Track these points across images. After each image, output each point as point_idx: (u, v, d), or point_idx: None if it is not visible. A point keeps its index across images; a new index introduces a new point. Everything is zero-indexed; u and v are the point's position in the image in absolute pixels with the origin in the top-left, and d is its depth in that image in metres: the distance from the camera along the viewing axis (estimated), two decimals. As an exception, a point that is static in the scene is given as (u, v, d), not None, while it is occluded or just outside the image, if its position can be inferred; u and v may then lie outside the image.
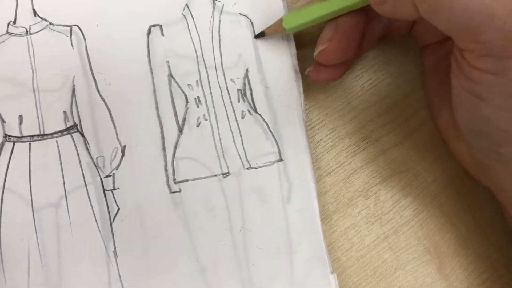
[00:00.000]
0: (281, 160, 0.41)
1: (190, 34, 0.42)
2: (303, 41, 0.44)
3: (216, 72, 0.42)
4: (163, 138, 0.40)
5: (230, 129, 0.41)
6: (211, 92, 0.41)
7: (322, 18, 0.40)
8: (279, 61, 0.42)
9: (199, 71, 0.42)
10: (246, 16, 0.43)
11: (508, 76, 0.31)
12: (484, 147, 0.37)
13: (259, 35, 0.42)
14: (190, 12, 0.42)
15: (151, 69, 0.41)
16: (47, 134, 0.39)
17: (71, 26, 0.41)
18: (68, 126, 0.40)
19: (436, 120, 0.44)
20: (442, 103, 0.42)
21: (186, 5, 0.42)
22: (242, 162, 0.41)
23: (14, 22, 0.40)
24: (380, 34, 0.43)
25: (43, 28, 0.40)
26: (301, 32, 0.44)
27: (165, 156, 0.40)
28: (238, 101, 0.42)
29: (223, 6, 0.42)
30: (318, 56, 0.40)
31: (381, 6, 0.36)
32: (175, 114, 0.41)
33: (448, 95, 0.38)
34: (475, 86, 0.34)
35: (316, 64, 0.42)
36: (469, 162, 0.41)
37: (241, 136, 0.41)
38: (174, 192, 0.40)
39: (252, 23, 0.43)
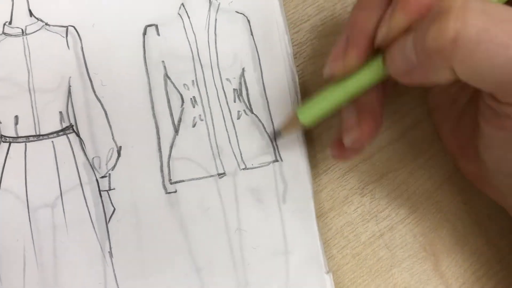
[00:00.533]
0: (276, 160, 0.42)
1: (186, 33, 0.42)
2: (300, 40, 0.44)
3: (212, 71, 0.42)
4: (159, 138, 0.40)
5: (226, 129, 0.41)
6: (207, 92, 0.41)
7: (341, 103, 0.37)
8: (276, 61, 0.42)
9: (195, 71, 0.42)
10: (243, 14, 0.43)
11: None
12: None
13: (277, 136, 0.41)
14: (186, 11, 0.42)
15: (146, 69, 0.41)
16: (43, 135, 0.39)
17: (67, 27, 0.41)
18: (64, 126, 0.40)
19: (443, 138, 0.44)
20: (449, 124, 0.42)
21: (182, 4, 0.42)
22: (237, 162, 0.41)
23: (10, 22, 0.40)
24: (388, 94, 0.41)
25: (39, 29, 0.40)
26: (297, 30, 0.44)
27: (160, 157, 0.40)
28: (234, 101, 0.42)
29: (219, 5, 0.42)
30: (352, 144, 0.38)
31: (407, 77, 0.33)
32: (171, 114, 0.41)
33: (461, 122, 0.38)
34: (506, 135, 0.33)
35: (340, 146, 0.40)
36: (480, 182, 0.41)
37: (236, 136, 0.41)
38: (169, 192, 0.40)
39: (249, 21, 0.43)
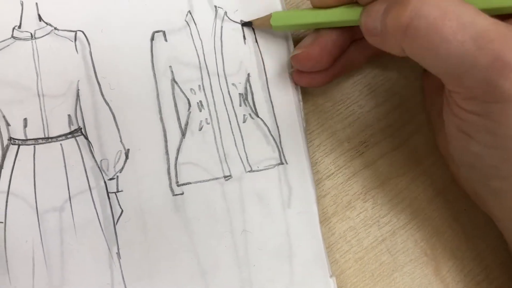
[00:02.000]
0: (281, 163, 0.42)
1: (193, 40, 0.42)
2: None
3: (218, 77, 0.42)
4: (166, 141, 0.41)
5: (232, 132, 0.42)
6: (213, 97, 0.42)
7: (308, 25, 0.41)
8: (280, 67, 0.43)
9: (202, 77, 0.42)
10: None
11: (492, 118, 0.32)
12: (476, 179, 0.38)
13: (246, 24, 0.43)
14: (193, 19, 0.43)
15: (154, 74, 0.41)
16: (51, 137, 0.40)
17: (75, 32, 0.41)
18: (72, 129, 0.40)
19: (438, 143, 0.45)
20: (441, 126, 0.43)
21: (189, 11, 0.43)
22: (243, 165, 0.42)
23: (19, 26, 0.41)
24: (368, 55, 0.44)
25: (48, 33, 0.41)
26: (302, 36, 0.44)
27: (167, 159, 0.41)
28: (240, 106, 0.42)
29: (225, 13, 0.43)
30: (292, 60, 0.42)
31: (372, 37, 0.37)
32: (178, 118, 0.41)
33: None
34: (463, 125, 0.35)
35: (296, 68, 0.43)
36: (467, 188, 0.42)
37: (242, 139, 0.42)
38: (176, 194, 0.40)
39: (253, 29, 0.43)
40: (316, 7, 0.40)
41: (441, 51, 0.31)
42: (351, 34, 0.41)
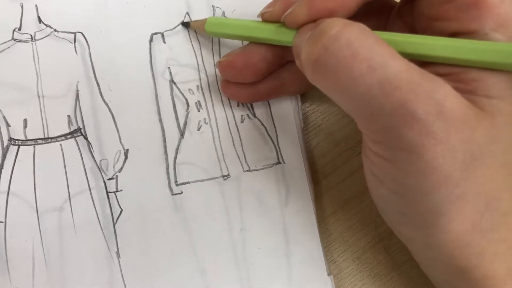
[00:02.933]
0: (279, 163, 0.42)
1: (191, 41, 0.43)
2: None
3: (216, 77, 0.43)
4: (164, 141, 0.41)
5: (230, 132, 0.42)
6: (211, 97, 0.42)
7: (242, 37, 0.40)
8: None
9: (200, 77, 0.43)
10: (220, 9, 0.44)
11: (397, 165, 0.31)
12: (388, 222, 0.37)
13: (185, 24, 0.43)
14: (191, 20, 0.43)
15: (153, 75, 0.42)
16: (51, 138, 0.40)
17: (75, 33, 0.42)
18: (72, 130, 0.40)
19: None
20: None
21: (187, 12, 0.43)
22: (241, 165, 0.42)
23: (20, 29, 0.41)
24: (302, 80, 0.39)
25: (48, 35, 0.41)
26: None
27: (166, 159, 0.41)
28: (238, 106, 0.43)
29: (223, 13, 0.43)
30: (217, 66, 0.41)
31: (297, 61, 0.36)
32: (177, 119, 0.42)
33: None
34: (373, 167, 0.34)
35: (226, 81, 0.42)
36: None
37: (240, 139, 0.42)
38: (175, 194, 0.41)
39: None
40: (264, 19, 0.38)
41: (349, 92, 0.30)
42: (285, 54, 0.40)
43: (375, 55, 0.29)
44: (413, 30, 0.36)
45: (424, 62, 0.32)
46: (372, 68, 0.29)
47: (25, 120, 0.40)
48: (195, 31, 0.43)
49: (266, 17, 0.38)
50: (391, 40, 0.32)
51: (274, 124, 0.43)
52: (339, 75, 0.30)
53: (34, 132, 0.40)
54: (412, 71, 0.29)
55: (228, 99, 0.43)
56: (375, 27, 0.32)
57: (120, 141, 0.41)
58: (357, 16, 0.36)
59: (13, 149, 0.40)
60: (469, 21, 0.31)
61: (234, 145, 0.42)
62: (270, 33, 0.37)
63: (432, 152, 0.29)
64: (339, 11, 0.33)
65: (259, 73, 0.40)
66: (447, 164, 0.29)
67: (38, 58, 0.41)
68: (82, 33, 0.42)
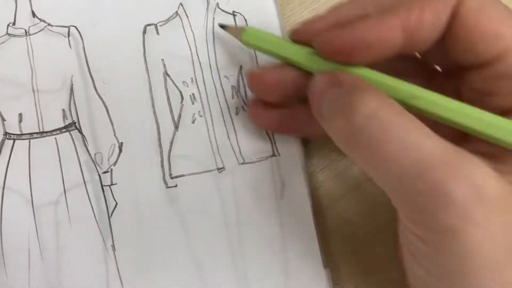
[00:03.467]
0: (274, 155, 0.42)
1: (185, 32, 0.43)
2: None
3: (211, 69, 0.42)
4: (159, 134, 0.41)
5: (225, 125, 0.42)
6: (205, 89, 0.42)
7: (277, 56, 0.38)
8: (272, 59, 0.43)
9: (194, 69, 0.42)
10: (240, 14, 0.43)
11: (436, 246, 0.29)
12: None
13: (223, 27, 0.42)
14: (185, 11, 0.43)
15: (146, 67, 0.42)
16: (46, 132, 0.40)
17: (68, 27, 0.42)
18: (66, 123, 0.40)
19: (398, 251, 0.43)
20: None
21: (181, 4, 0.43)
22: (236, 157, 0.42)
23: (14, 23, 0.41)
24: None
25: (42, 30, 0.41)
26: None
27: (161, 152, 0.41)
28: (232, 98, 0.42)
29: (217, 4, 0.43)
30: (246, 76, 0.41)
31: (311, 107, 0.35)
32: (171, 111, 0.42)
33: None
34: (409, 244, 0.32)
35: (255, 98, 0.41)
36: None
37: (235, 132, 0.42)
38: (170, 187, 0.41)
39: (246, 20, 0.43)
40: (293, 39, 0.37)
41: (382, 171, 0.29)
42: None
43: (408, 135, 0.28)
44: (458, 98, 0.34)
45: (463, 137, 0.32)
46: (406, 148, 0.28)
47: (20, 114, 0.40)
48: (190, 23, 0.43)
49: (292, 35, 0.37)
50: (432, 101, 0.31)
51: (270, 117, 0.42)
52: (372, 154, 0.29)
53: (29, 126, 0.40)
54: (448, 150, 0.28)
55: (223, 91, 0.42)
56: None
57: (115, 134, 0.41)
58: (401, 73, 0.35)
59: (8, 143, 0.40)
60: None
61: (229, 138, 0.42)
62: (305, 56, 0.36)
63: (472, 237, 0.27)
64: (376, 49, 0.32)
65: (286, 96, 0.38)
66: (488, 249, 0.27)
67: (32, 52, 0.41)
68: (76, 27, 0.42)
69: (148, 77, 0.42)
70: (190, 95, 0.42)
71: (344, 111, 0.30)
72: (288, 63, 0.38)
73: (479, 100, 0.32)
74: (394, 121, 0.29)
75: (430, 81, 0.38)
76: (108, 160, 0.40)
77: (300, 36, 0.37)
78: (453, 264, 0.28)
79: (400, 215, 0.31)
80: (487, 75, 0.31)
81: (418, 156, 0.27)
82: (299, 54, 0.36)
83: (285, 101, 0.39)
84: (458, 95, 0.35)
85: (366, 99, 0.30)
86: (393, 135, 0.28)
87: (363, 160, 0.31)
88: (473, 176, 0.27)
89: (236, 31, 0.40)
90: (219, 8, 0.43)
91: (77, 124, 0.41)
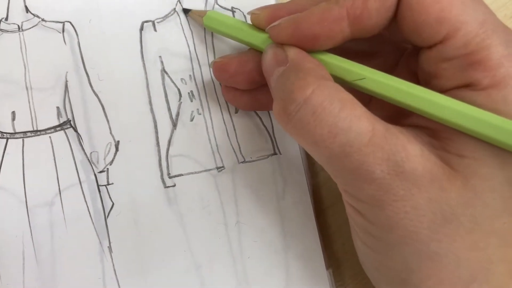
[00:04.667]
0: (275, 154, 0.42)
1: (183, 29, 0.42)
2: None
3: (209, 67, 0.42)
4: (156, 132, 0.40)
5: (224, 123, 0.41)
6: (204, 87, 0.42)
7: (235, 38, 0.39)
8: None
9: (192, 66, 0.42)
10: (239, 10, 0.43)
11: (364, 216, 0.32)
12: (372, 281, 0.37)
13: (185, 11, 0.42)
14: (182, 8, 0.42)
15: (144, 64, 0.41)
16: (40, 130, 0.39)
17: (63, 23, 0.41)
18: (61, 122, 0.40)
19: None
20: None
21: (178, 0, 0.42)
22: (236, 156, 0.41)
23: (6, 18, 0.40)
24: None
25: (35, 25, 0.40)
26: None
27: (159, 151, 0.40)
28: (229, 98, 0.42)
29: (215, 1, 0.43)
30: (211, 65, 0.41)
31: (268, 81, 0.36)
32: (169, 109, 0.41)
33: None
34: (349, 217, 0.35)
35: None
36: None
37: (235, 130, 0.42)
38: (168, 186, 0.40)
39: (245, 16, 0.43)
40: (251, 20, 0.38)
41: (313, 152, 0.32)
42: None
43: (338, 120, 0.30)
44: (417, 80, 0.35)
45: (404, 110, 0.33)
46: (333, 133, 0.30)
47: (13, 112, 0.39)
48: (187, 20, 0.42)
49: (252, 19, 0.38)
50: (377, 81, 0.33)
51: (269, 114, 0.42)
52: (304, 138, 0.32)
53: (23, 124, 0.39)
54: (376, 132, 0.30)
55: (222, 89, 0.42)
56: (381, 67, 0.33)
57: (111, 133, 0.40)
58: (364, 53, 0.38)
59: (1, 142, 0.39)
60: (466, 79, 0.31)
61: (228, 136, 0.41)
62: (263, 42, 0.37)
63: (393, 207, 0.30)
64: (322, 40, 0.33)
65: (253, 82, 0.39)
66: (411, 220, 0.30)
67: (25, 48, 0.40)
68: (70, 23, 0.41)
69: (145, 74, 0.41)
70: (188, 93, 0.41)
71: (281, 94, 0.33)
72: (252, 48, 0.38)
73: (427, 82, 0.34)
74: (326, 106, 0.30)
75: (399, 58, 0.39)
76: (104, 159, 0.40)
77: (259, 22, 0.37)
78: (380, 234, 0.31)
79: (340, 190, 0.34)
80: (432, 57, 0.32)
81: (346, 139, 0.30)
82: (258, 39, 0.37)
83: (253, 86, 0.40)
84: (416, 80, 0.36)
85: (302, 84, 0.31)
86: (323, 120, 0.30)
87: (298, 141, 0.33)
88: (395, 157, 0.30)
89: (198, 15, 0.41)
90: (218, 4, 0.43)
91: (72, 122, 0.40)
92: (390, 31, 0.35)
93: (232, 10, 0.43)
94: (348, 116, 0.30)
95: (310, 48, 0.34)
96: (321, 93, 0.31)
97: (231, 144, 0.41)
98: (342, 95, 0.31)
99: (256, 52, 0.38)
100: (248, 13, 0.38)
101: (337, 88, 0.31)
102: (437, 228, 0.29)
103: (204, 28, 0.42)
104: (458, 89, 0.31)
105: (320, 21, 0.33)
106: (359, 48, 0.38)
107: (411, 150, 0.30)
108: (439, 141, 0.31)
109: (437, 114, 0.31)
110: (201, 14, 0.40)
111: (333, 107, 0.30)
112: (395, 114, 0.34)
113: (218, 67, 0.39)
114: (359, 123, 0.30)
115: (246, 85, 0.39)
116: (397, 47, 0.39)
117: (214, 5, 0.43)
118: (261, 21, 0.37)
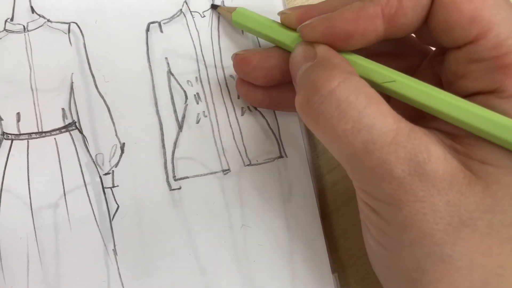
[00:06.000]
0: (281, 157, 0.41)
1: (189, 31, 0.42)
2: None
3: (216, 68, 0.42)
4: (162, 135, 0.40)
5: (230, 125, 0.41)
6: (210, 89, 0.42)
7: (263, 36, 0.39)
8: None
9: (199, 68, 0.42)
10: None
11: (380, 215, 0.32)
12: (380, 278, 0.36)
13: (214, 6, 0.42)
14: (189, 9, 0.42)
15: (150, 66, 0.41)
16: (45, 132, 0.39)
17: (69, 23, 0.41)
18: (66, 123, 0.40)
19: None
20: None
21: (185, 1, 0.42)
22: (242, 159, 0.41)
23: (12, 19, 0.40)
24: None
25: (41, 26, 0.40)
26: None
27: (164, 153, 0.40)
28: (238, 98, 0.42)
29: (222, 2, 0.43)
30: (233, 58, 0.40)
31: (293, 80, 0.36)
32: (175, 111, 0.41)
33: None
34: (361, 213, 0.34)
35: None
36: None
37: (241, 133, 0.41)
38: (174, 189, 0.40)
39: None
40: (281, 21, 0.38)
41: (333, 147, 0.32)
42: None
43: (363, 116, 0.30)
44: (440, 82, 0.35)
45: (426, 113, 0.33)
46: (357, 129, 0.30)
47: (18, 113, 0.39)
48: (194, 21, 0.42)
49: (282, 19, 0.38)
50: (407, 85, 0.32)
51: (276, 117, 0.42)
52: (325, 131, 0.31)
53: (28, 126, 0.39)
54: (400, 131, 0.30)
55: (228, 91, 0.42)
56: (403, 69, 0.33)
57: (116, 135, 0.40)
58: (388, 54, 0.38)
59: (6, 143, 0.39)
60: (493, 83, 0.30)
61: (234, 139, 0.41)
62: (292, 40, 0.37)
63: (410, 208, 0.29)
64: (355, 38, 0.33)
65: (271, 79, 0.39)
66: (427, 222, 0.29)
67: (31, 49, 0.40)
68: (76, 23, 0.41)
69: (151, 76, 0.41)
70: (194, 95, 0.41)
71: (305, 86, 0.32)
72: (277, 46, 0.38)
73: (452, 83, 0.33)
74: (351, 101, 0.30)
75: (422, 60, 0.39)
76: (110, 161, 0.40)
77: (290, 21, 0.37)
78: (396, 232, 0.31)
79: (355, 187, 0.34)
80: (460, 57, 0.32)
81: (369, 137, 0.29)
82: (288, 37, 0.37)
83: (270, 84, 0.39)
84: (439, 82, 0.36)
85: (328, 76, 0.31)
86: (348, 115, 0.30)
87: (319, 135, 0.33)
88: (417, 157, 0.29)
89: (227, 11, 0.41)
90: (225, 5, 0.43)
91: (77, 124, 0.40)
92: (418, 32, 0.35)
93: None
94: (373, 113, 0.30)
95: (341, 47, 0.34)
96: (347, 87, 0.30)
97: (237, 147, 0.41)
98: (368, 91, 0.31)
99: (281, 50, 0.38)
100: (279, 13, 0.38)
101: (363, 83, 0.31)
102: (453, 231, 0.29)
103: (211, 30, 0.42)
104: (484, 95, 0.31)
105: (355, 19, 0.33)
106: (382, 49, 0.38)
107: (433, 152, 0.29)
108: (461, 146, 0.31)
109: (466, 120, 0.30)
110: (230, 10, 0.40)
111: (358, 102, 0.30)
112: (416, 117, 0.33)
113: (240, 59, 0.39)
114: (384, 120, 0.30)
115: (264, 81, 0.39)
116: (420, 49, 0.39)
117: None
118: (292, 20, 0.37)
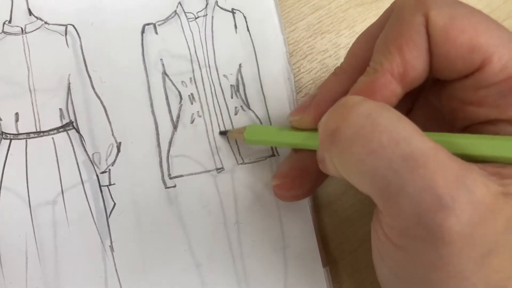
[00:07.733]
0: (273, 155, 0.42)
1: (183, 31, 0.42)
2: (296, 39, 0.45)
3: (210, 69, 0.42)
4: (157, 134, 0.41)
5: (224, 125, 0.42)
6: (204, 89, 0.42)
7: (281, 144, 0.39)
8: (272, 57, 0.43)
9: (193, 68, 0.42)
10: (239, 11, 0.43)
11: (408, 254, 0.28)
12: None
13: (223, 133, 0.42)
14: (183, 10, 0.43)
15: (145, 67, 0.41)
16: (43, 131, 0.40)
17: (66, 26, 0.41)
18: (64, 123, 0.40)
19: None
20: None
21: (179, 3, 0.43)
22: (235, 157, 0.41)
23: (10, 21, 0.41)
24: None
25: (38, 28, 0.41)
26: (293, 28, 0.44)
27: (159, 152, 0.41)
28: (231, 97, 0.42)
29: (216, 2, 0.43)
30: (274, 189, 0.40)
31: (320, 164, 0.34)
32: (170, 111, 0.41)
33: None
34: (380, 245, 0.30)
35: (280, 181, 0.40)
36: None
37: (234, 132, 0.42)
38: (169, 187, 0.40)
39: (245, 17, 0.43)
40: (299, 128, 0.37)
41: (367, 166, 0.27)
42: None
43: (398, 128, 0.27)
44: (440, 114, 0.35)
45: None
46: (395, 141, 0.26)
47: (16, 114, 0.40)
48: (188, 22, 0.42)
49: (296, 125, 0.37)
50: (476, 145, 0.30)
51: (269, 116, 0.43)
52: (357, 146, 0.27)
53: (26, 125, 0.40)
54: (440, 151, 0.26)
55: (222, 91, 0.42)
56: (400, 109, 0.30)
57: (113, 134, 0.40)
58: None
59: (4, 143, 0.40)
60: (510, 107, 0.30)
61: (228, 138, 0.42)
62: (315, 139, 0.35)
63: (452, 247, 0.25)
64: None
65: (316, 179, 0.39)
66: (463, 259, 0.26)
67: (29, 51, 0.40)
68: (73, 26, 0.41)
69: (147, 76, 0.41)
70: (189, 95, 0.42)
71: (332, 111, 0.30)
72: (297, 150, 0.39)
73: (460, 109, 0.32)
74: (381, 113, 0.27)
75: (413, 102, 0.38)
76: (106, 160, 0.40)
77: (305, 125, 0.37)
78: (421, 272, 0.28)
79: (377, 214, 0.30)
80: (468, 85, 0.31)
81: (409, 151, 0.26)
82: (310, 139, 0.36)
83: (313, 186, 0.39)
84: (438, 101, 0.35)
85: (353, 97, 0.30)
86: (379, 125, 0.27)
87: (349, 157, 0.28)
88: (465, 180, 0.25)
89: (238, 133, 0.40)
90: (218, 6, 0.43)
91: (74, 124, 0.40)
92: None
93: (233, 12, 0.43)
94: (407, 127, 0.27)
95: None
96: (379, 108, 0.28)
97: (231, 146, 0.42)
98: (399, 113, 0.28)
99: (306, 152, 0.38)
100: (288, 119, 0.38)
101: (387, 104, 0.29)
102: (482, 260, 0.26)
103: (205, 31, 0.42)
104: (503, 123, 0.30)
105: (371, 95, 0.32)
106: None
107: (477, 175, 0.26)
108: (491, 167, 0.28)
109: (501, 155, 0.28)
110: (241, 131, 0.40)
111: (390, 114, 0.27)
112: None
113: (284, 188, 0.39)
114: (421, 137, 0.26)
115: (312, 185, 0.39)
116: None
117: (214, 7, 0.43)
118: (307, 123, 0.36)
